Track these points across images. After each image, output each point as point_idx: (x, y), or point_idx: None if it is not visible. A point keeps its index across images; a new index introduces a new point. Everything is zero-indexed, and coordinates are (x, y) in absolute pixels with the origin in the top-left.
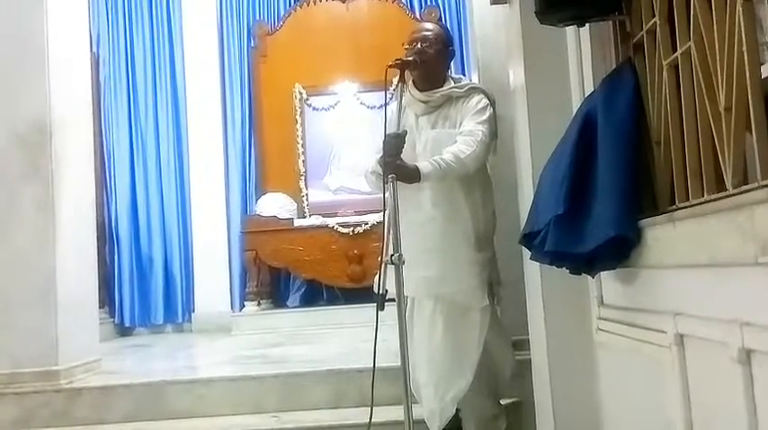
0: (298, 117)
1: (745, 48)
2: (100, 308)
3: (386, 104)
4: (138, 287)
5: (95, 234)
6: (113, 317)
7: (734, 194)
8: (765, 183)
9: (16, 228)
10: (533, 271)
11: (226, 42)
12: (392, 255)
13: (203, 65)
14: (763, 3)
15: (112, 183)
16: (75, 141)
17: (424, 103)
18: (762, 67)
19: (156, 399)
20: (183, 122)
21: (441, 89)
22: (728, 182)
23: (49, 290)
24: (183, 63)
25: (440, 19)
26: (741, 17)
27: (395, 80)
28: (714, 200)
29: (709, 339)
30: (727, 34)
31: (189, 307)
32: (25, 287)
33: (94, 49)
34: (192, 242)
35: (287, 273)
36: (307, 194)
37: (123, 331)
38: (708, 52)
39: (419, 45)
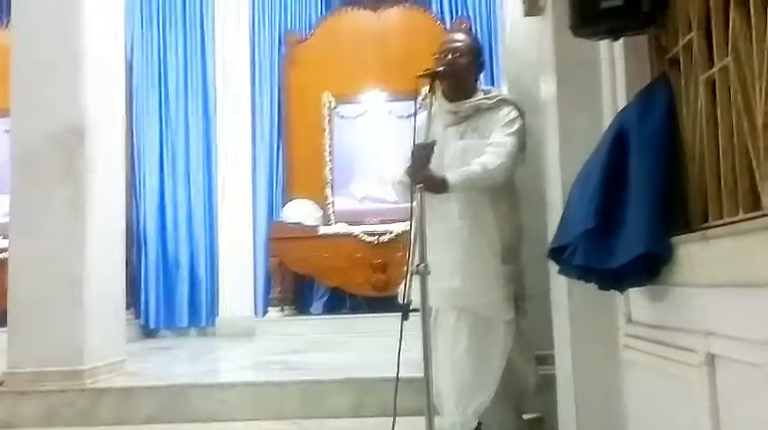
0: (326, 125)
1: None
2: (126, 309)
3: (415, 114)
4: (163, 290)
5: (124, 236)
6: (138, 318)
7: None
8: None
9: (48, 229)
10: (560, 285)
11: (257, 49)
12: (418, 265)
13: (234, 71)
14: None
15: (141, 187)
16: (107, 144)
17: (453, 113)
18: None
19: (178, 402)
20: (213, 128)
21: (470, 100)
22: (765, 200)
23: (77, 290)
24: (215, 69)
25: (470, 29)
26: None
27: (424, 90)
28: (749, 218)
29: (740, 360)
30: (766, 50)
31: (213, 311)
32: (54, 286)
33: (128, 54)
34: (218, 246)
35: (311, 280)
36: (333, 202)
37: (148, 333)
38: (746, 67)
39: (450, 55)
